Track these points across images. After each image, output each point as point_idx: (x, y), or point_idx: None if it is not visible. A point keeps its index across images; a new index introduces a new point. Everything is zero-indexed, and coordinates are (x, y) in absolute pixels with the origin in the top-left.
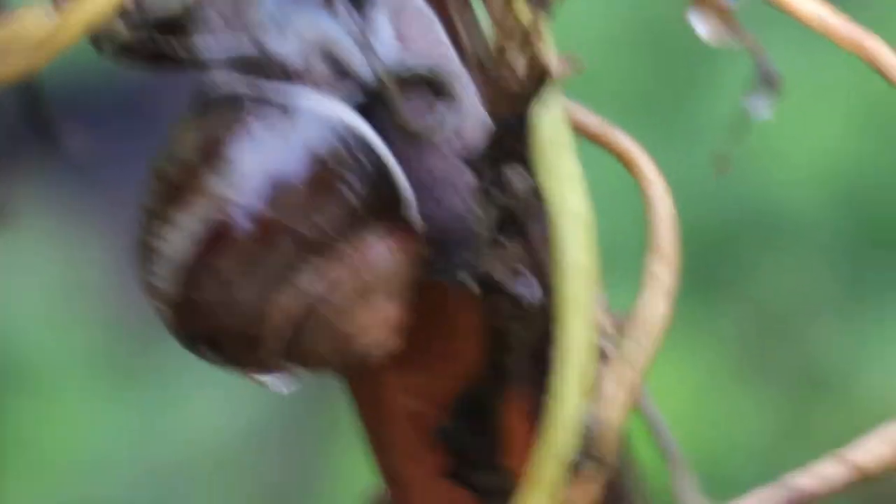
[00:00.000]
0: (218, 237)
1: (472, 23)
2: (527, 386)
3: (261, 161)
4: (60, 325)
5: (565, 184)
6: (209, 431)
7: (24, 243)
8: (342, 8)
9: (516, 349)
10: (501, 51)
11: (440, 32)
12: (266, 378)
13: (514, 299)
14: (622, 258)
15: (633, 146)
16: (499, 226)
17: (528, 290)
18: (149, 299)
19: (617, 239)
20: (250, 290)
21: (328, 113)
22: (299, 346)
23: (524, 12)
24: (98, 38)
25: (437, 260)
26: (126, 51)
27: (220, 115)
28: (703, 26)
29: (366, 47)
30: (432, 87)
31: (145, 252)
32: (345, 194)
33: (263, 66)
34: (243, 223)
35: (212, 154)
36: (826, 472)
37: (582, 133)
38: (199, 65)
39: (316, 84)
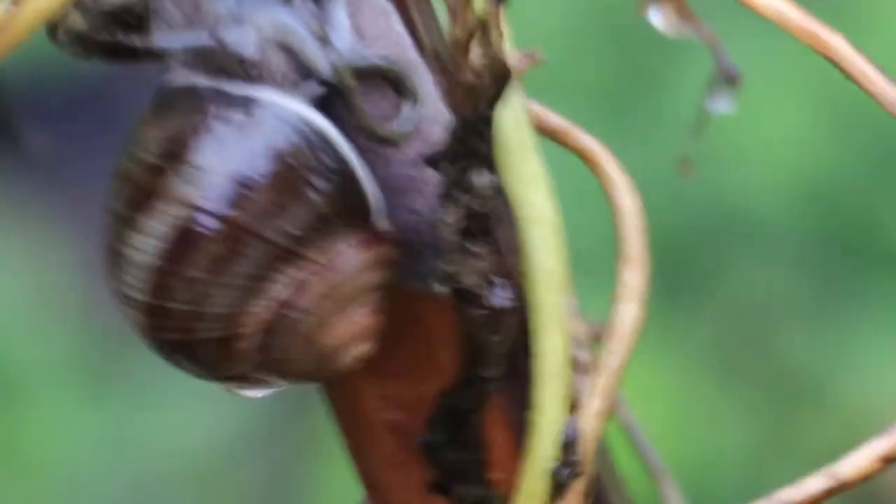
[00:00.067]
0: (185, 242)
1: (430, 16)
2: (503, 396)
3: (225, 163)
4: (32, 329)
5: (530, 185)
6: (188, 439)
7: None
8: (299, 1)
9: (492, 359)
10: (458, 44)
11: (398, 26)
12: (242, 389)
13: (486, 308)
14: (592, 260)
15: (598, 148)
16: (465, 230)
17: (499, 298)
18: (120, 307)
19: (586, 240)
20: (222, 298)
21: (289, 110)
22: (273, 355)
23: (481, 4)
24: (54, 29)
25: (405, 265)
26: (82, 42)
27: (182, 113)
28: (658, 19)
29: (323, 40)
30: (391, 82)
31: (113, 258)
32: (311, 196)
33: (221, 60)
34: (210, 228)
35: (174, 156)
36: (813, 486)
37: (544, 132)
38: (155, 57)
39: (275, 78)
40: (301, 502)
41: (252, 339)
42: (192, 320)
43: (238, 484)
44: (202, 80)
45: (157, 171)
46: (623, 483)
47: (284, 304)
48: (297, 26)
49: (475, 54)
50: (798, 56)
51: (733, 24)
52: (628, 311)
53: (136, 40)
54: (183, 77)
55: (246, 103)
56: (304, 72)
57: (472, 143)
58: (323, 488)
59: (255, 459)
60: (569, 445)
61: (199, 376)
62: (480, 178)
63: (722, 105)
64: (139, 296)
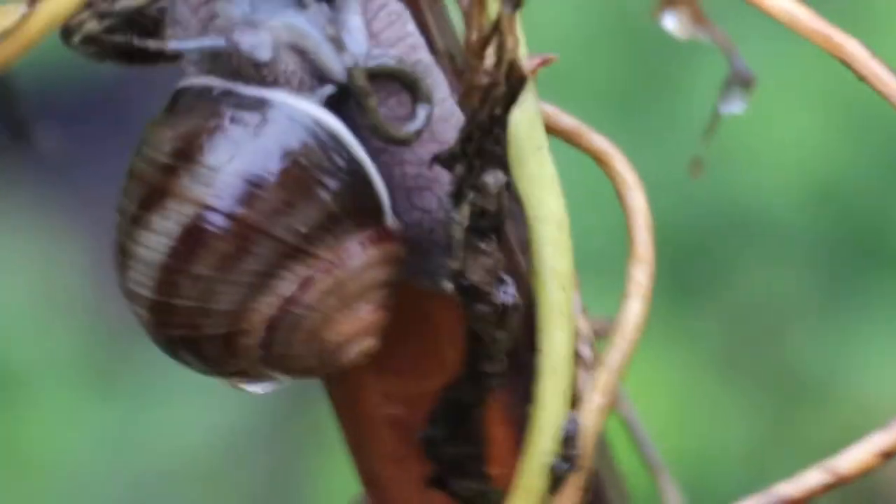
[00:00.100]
0: (194, 241)
1: (444, 19)
2: (505, 392)
3: (236, 163)
4: (39, 329)
5: (541, 186)
6: (190, 437)
7: (1, 243)
8: (313, 2)
9: (496, 354)
10: (473, 48)
11: (412, 29)
12: (247, 385)
13: (493, 305)
14: (601, 259)
15: (610, 148)
16: (475, 229)
17: (507, 295)
18: (128, 304)
19: (596, 240)
20: (228, 295)
21: (302, 112)
22: (277, 351)
23: (495, 7)
24: (68, 32)
25: (413, 263)
26: (96, 44)
27: (194, 114)
28: (672, 23)
29: (337, 43)
30: (405, 84)
31: (123, 256)
32: (321, 196)
33: (235, 62)
34: (220, 226)
35: (187, 156)
36: (811, 480)
37: (557, 133)
38: (169, 59)
39: (288, 80)
40: (302, 498)
41: (257, 336)
42: (198, 317)
43: (239, 480)
44: (216, 82)
45: (170, 171)
46: (622, 478)
47: (290, 301)
48: (311, 30)
49: (490, 57)
50: (810, 58)
51: (744, 25)
52: (632, 309)
53: (150, 43)
54: (196, 79)
55: (259, 105)
56: (317, 74)
57: (485, 144)
58: (324, 484)
59: (257, 456)
60: (568, 440)
61: (204, 372)
62: (491, 178)
63: (735, 109)
64: (147, 292)
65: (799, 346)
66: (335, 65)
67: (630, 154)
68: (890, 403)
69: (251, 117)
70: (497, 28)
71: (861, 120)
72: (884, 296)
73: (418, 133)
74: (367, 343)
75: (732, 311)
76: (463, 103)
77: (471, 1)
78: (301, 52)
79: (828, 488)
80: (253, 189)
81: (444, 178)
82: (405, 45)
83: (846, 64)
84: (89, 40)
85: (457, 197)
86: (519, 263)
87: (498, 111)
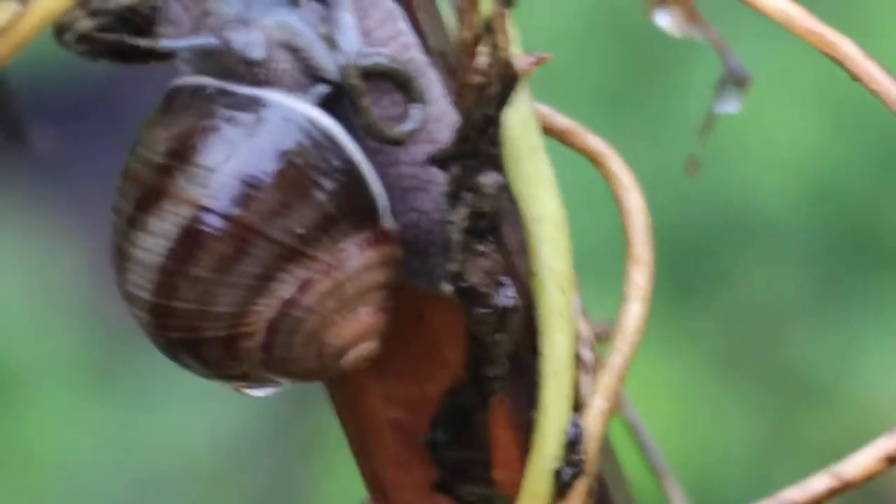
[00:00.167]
0: (192, 242)
1: (436, 17)
2: (508, 395)
3: (231, 163)
4: (38, 329)
5: (537, 186)
6: (192, 439)
7: None
8: (306, 2)
9: (497, 358)
10: (465, 46)
11: (405, 27)
12: (247, 388)
13: (492, 308)
14: (599, 260)
15: (605, 148)
16: (472, 230)
17: (505, 297)
18: (127, 306)
19: (593, 240)
20: (227, 297)
21: (296, 111)
22: (277, 353)
23: (487, 6)
24: (60, 30)
25: (411, 264)
26: (89, 43)
27: (188, 113)
28: (665, 21)
29: (330, 42)
30: (398, 83)
31: (121, 258)
32: (317, 197)
33: (228, 61)
34: (217, 227)
35: (181, 156)
36: (817, 486)
37: (552, 134)
38: (162, 58)
39: (281, 79)
40: (304, 501)
41: (257, 338)
42: (197, 319)
43: (241, 483)
44: (209, 81)
45: (164, 171)
46: (627, 482)
47: (289, 303)
48: (303, 28)
49: (482, 55)
50: (804, 57)
51: (739, 24)
52: (632, 311)
53: (142, 41)
54: (190, 78)
55: (252, 104)
56: (310, 73)
57: (478, 144)
58: (326, 487)
59: (259, 459)
60: (572, 444)
61: (204, 375)
62: (487, 179)
63: (730, 108)
64: (145, 295)
65: (799, 347)
66: (328, 63)
67: (624, 153)
68: (892, 404)
69: (245, 117)
70: (489, 26)
71: (855, 119)
72: (883, 295)
73: (412, 133)
74: (368, 346)
75: (731, 311)
76: (457, 103)
77: (464, 0)
78: (294, 51)
79: (834, 493)
80: (249, 190)
81: (439, 179)
82: (397, 43)
83: (840, 63)
84: (82, 38)
85: (453, 198)
86: (518, 265)
87: (491, 110)
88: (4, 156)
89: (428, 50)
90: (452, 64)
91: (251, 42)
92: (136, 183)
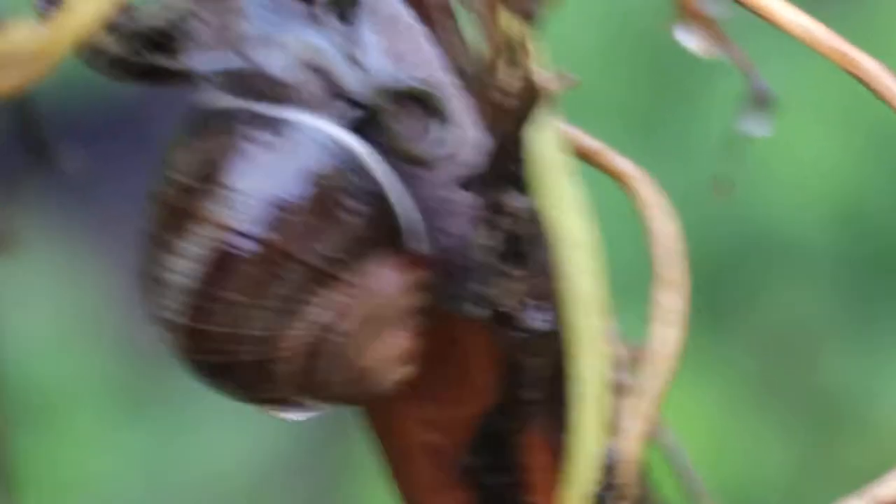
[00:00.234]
0: (223, 266)
1: (458, 35)
2: (542, 418)
3: (260, 185)
4: (69, 352)
5: (565, 208)
6: (224, 462)
7: (25, 267)
8: (329, 21)
9: (531, 381)
10: (491, 66)
11: (429, 46)
12: (282, 412)
13: (524, 331)
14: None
15: (634, 170)
16: (504, 253)
17: (537, 320)
18: (157, 330)
19: (625, 260)
20: (259, 321)
21: (324, 132)
22: (311, 378)
23: (512, 26)
24: (87, 52)
25: (442, 287)
26: (115, 64)
27: (216, 135)
28: (690, 41)
29: (354, 61)
30: (423, 102)
31: (150, 282)
32: (346, 218)
33: (253, 81)
34: (247, 250)
35: (210, 178)
36: None
37: (580, 155)
38: (188, 79)
39: (307, 100)
40: None
41: (291, 362)
42: (230, 343)
43: None
44: (234, 102)
45: (192, 194)
46: None
47: (324, 327)
48: (327, 47)
49: (505, 74)
50: (829, 76)
51: (763, 44)
52: (670, 334)
53: (168, 62)
54: (215, 99)
55: (278, 125)
56: (335, 93)
57: (509, 166)
58: None
59: (293, 482)
60: (609, 469)
61: (237, 399)
62: (514, 200)
63: (757, 127)
64: (177, 319)
65: (831, 369)
66: (355, 84)
67: (651, 173)
68: None
69: (272, 138)
70: (516, 45)
71: (881, 138)
72: None
73: (439, 154)
74: (401, 370)
75: (761, 333)
76: (484, 123)
77: (485, 18)
78: (321, 72)
79: None
80: (277, 212)
81: (466, 201)
82: (423, 63)
83: (863, 82)
84: (109, 61)
85: (484, 221)
86: (551, 288)
87: (514, 129)
88: (33, 177)
89: (453, 70)
90: (478, 84)
91: (278, 63)
92: (164, 205)
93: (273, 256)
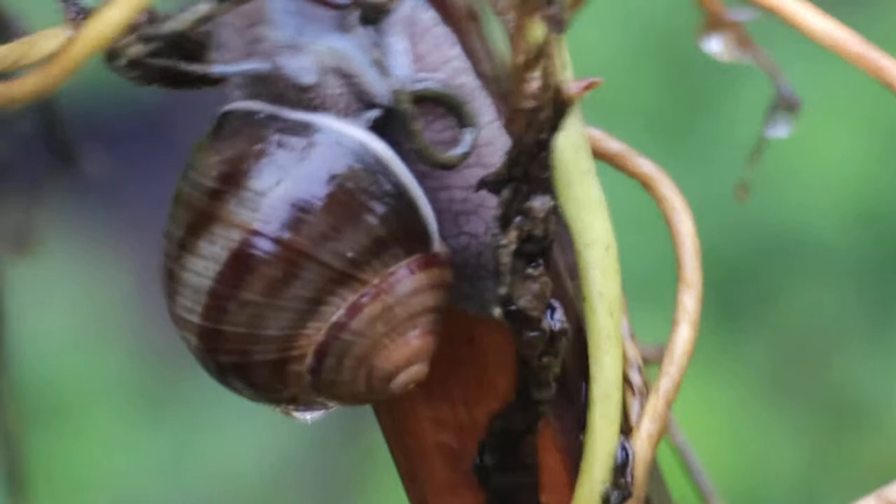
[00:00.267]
0: (242, 266)
1: (488, 41)
2: (556, 419)
3: (282, 187)
4: (88, 353)
5: (588, 210)
6: (241, 462)
7: (47, 268)
8: (357, 26)
9: (545, 381)
10: (517, 71)
11: (457, 52)
12: (296, 412)
13: (541, 331)
14: (647, 281)
15: (656, 172)
16: (522, 254)
17: (555, 321)
18: (177, 330)
19: (642, 262)
20: (277, 321)
21: (348, 136)
22: (326, 377)
23: (538, 31)
24: (112, 55)
25: (460, 288)
26: (140, 68)
27: (240, 138)
28: (717, 47)
29: (382, 66)
30: (449, 107)
31: (171, 281)
32: (368, 221)
33: (280, 86)
34: (267, 251)
35: (233, 180)
36: None
37: (603, 158)
38: (214, 83)
39: (333, 104)
40: None
41: (306, 362)
42: (247, 343)
43: None
44: (261, 106)
45: (216, 196)
46: None
47: (339, 327)
48: (355, 53)
49: (534, 81)
50: (852, 79)
51: (785, 46)
52: (682, 335)
53: (194, 67)
54: (241, 103)
55: (304, 129)
56: (362, 97)
57: (531, 169)
58: None
59: (308, 482)
60: (621, 468)
61: (253, 399)
62: (539, 203)
63: (780, 133)
64: (195, 318)
65: (847, 370)
66: (380, 88)
67: (674, 175)
68: None
69: (297, 141)
70: (541, 51)
71: None
72: None
73: (464, 157)
74: (417, 369)
75: (779, 334)
76: (508, 127)
77: (515, 24)
78: (346, 76)
79: None
80: (300, 214)
81: (490, 203)
82: (450, 68)
83: (888, 87)
84: (133, 64)
85: (503, 221)
86: (567, 288)
87: (543, 135)
88: (56, 179)
89: (479, 74)
90: (504, 88)
91: (302, 67)
92: (188, 207)
93: (292, 257)
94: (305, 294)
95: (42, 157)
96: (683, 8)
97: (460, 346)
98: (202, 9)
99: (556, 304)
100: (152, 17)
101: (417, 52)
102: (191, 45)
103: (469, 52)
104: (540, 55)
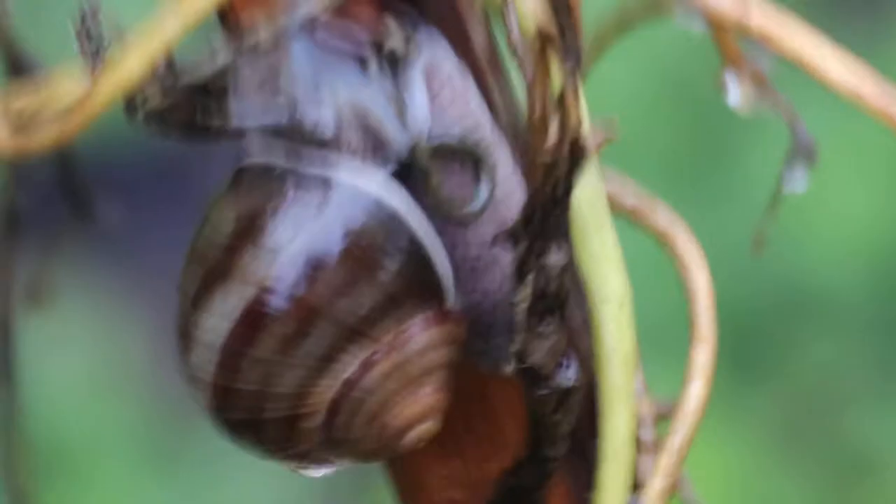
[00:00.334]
0: (256, 317)
1: (508, 92)
2: (566, 475)
3: (298, 243)
4: (100, 405)
5: (603, 265)
6: None
7: (57, 318)
8: (377, 75)
9: (557, 437)
10: (537, 123)
11: (475, 99)
12: (306, 469)
13: (553, 388)
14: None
15: (673, 226)
16: (536, 310)
17: (566, 378)
18: (188, 386)
19: (655, 314)
20: (288, 378)
21: (364, 192)
22: (339, 435)
23: (557, 77)
24: (130, 105)
25: (473, 343)
26: (158, 119)
27: (257, 191)
28: (735, 92)
29: (401, 118)
30: (467, 159)
31: (183, 339)
32: (382, 277)
33: (298, 136)
34: (281, 308)
35: (250, 234)
36: None
37: (620, 212)
38: (231, 133)
39: (350, 154)
40: None
41: (318, 419)
42: (259, 400)
43: None
44: (278, 160)
45: (230, 250)
46: None
47: (350, 384)
48: (374, 107)
49: (553, 133)
50: (869, 128)
51: (803, 93)
52: (693, 392)
53: (212, 116)
54: (259, 155)
55: (321, 184)
56: (380, 149)
57: (547, 223)
58: None
59: None
60: None
61: (264, 456)
62: (554, 258)
63: (798, 181)
64: (207, 377)
65: (860, 425)
66: (398, 142)
67: (689, 224)
68: None
69: (313, 196)
70: (559, 102)
71: None
72: None
73: (480, 212)
74: (428, 426)
75: (792, 388)
76: (525, 176)
77: (534, 72)
78: (364, 124)
79: None
80: (314, 271)
81: (505, 259)
82: (468, 121)
83: None
84: (152, 115)
85: (518, 277)
86: (581, 344)
87: (560, 189)
88: (71, 229)
89: (498, 122)
90: (522, 137)
91: (321, 121)
92: (202, 262)
93: (305, 314)
94: (317, 351)
95: (57, 206)
96: (702, 53)
97: (473, 402)
98: (221, 59)
99: (569, 360)
100: (170, 65)
101: (437, 103)
102: (209, 95)
103: (488, 102)
104: (558, 103)
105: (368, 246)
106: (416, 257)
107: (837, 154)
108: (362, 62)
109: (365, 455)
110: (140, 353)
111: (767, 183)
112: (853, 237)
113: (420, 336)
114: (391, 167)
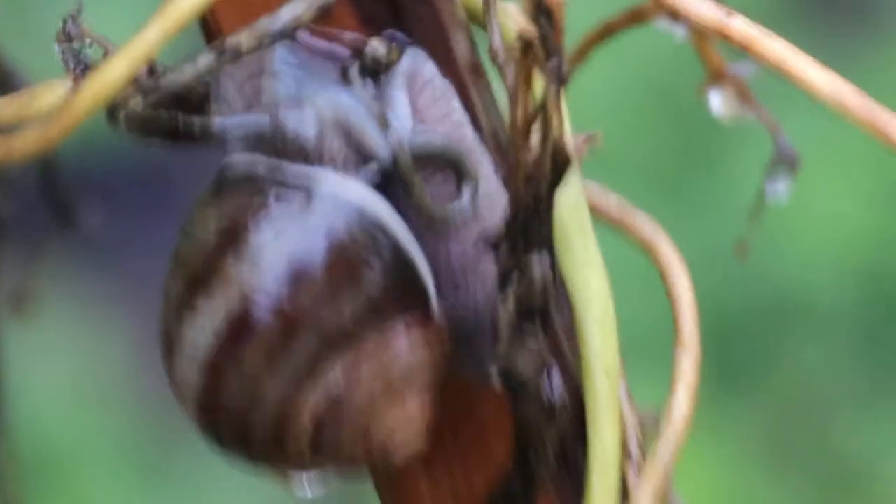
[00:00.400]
0: (240, 330)
1: (489, 96)
2: (553, 486)
3: (282, 250)
4: (84, 413)
5: (585, 269)
6: None
7: (42, 327)
8: (358, 79)
9: (544, 448)
10: (519, 129)
11: (458, 109)
12: (293, 479)
13: (540, 398)
14: (642, 341)
15: (655, 235)
16: (521, 312)
17: (552, 386)
18: (174, 395)
19: (640, 323)
20: (275, 386)
21: (348, 197)
22: (325, 443)
23: (540, 87)
24: (113, 112)
25: (457, 347)
26: (141, 124)
27: (240, 197)
28: (718, 101)
29: (383, 123)
30: (450, 166)
31: (168, 346)
32: (365, 282)
33: (280, 143)
34: (265, 315)
35: (232, 242)
36: None
37: (601, 219)
38: (214, 140)
39: (333, 162)
40: None
41: (305, 428)
42: (244, 408)
43: None
44: (261, 165)
45: (214, 257)
46: None
47: (338, 393)
48: (356, 108)
49: (535, 139)
50: (852, 134)
51: (786, 101)
52: (679, 402)
53: (194, 123)
54: (241, 161)
55: (304, 189)
56: (362, 153)
57: (530, 226)
58: None
59: None
60: None
61: (252, 469)
62: (538, 260)
63: (780, 189)
64: (192, 383)
65: (846, 435)
66: (380, 144)
67: (672, 232)
68: None
69: (296, 198)
70: (542, 107)
71: None
72: None
73: (463, 213)
74: (417, 437)
75: (777, 396)
76: (508, 183)
77: (516, 79)
78: (346, 131)
79: None
80: (299, 278)
81: (487, 260)
82: (450, 122)
83: (893, 146)
84: (133, 118)
85: (502, 279)
86: (564, 351)
87: (543, 192)
88: (55, 236)
89: (480, 130)
90: (505, 146)
91: (303, 122)
92: (186, 268)
93: (292, 322)
94: (304, 359)
95: (40, 213)
96: (685, 62)
97: (460, 415)
98: (203, 63)
99: (553, 368)
100: (153, 71)
101: (418, 106)
102: (191, 98)
103: (469, 106)
104: (540, 110)
105: (351, 252)
106: (399, 260)
107: (821, 160)
108: (344, 69)
109: (352, 469)
110: (125, 361)
111: (751, 190)
112: (837, 243)
113: (407, 346)
114: (374, 175)
